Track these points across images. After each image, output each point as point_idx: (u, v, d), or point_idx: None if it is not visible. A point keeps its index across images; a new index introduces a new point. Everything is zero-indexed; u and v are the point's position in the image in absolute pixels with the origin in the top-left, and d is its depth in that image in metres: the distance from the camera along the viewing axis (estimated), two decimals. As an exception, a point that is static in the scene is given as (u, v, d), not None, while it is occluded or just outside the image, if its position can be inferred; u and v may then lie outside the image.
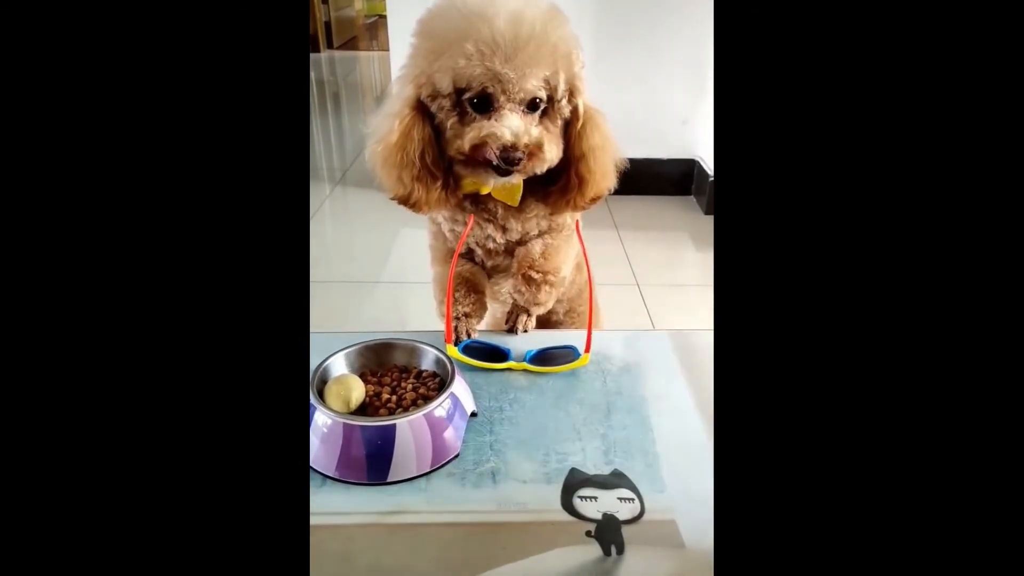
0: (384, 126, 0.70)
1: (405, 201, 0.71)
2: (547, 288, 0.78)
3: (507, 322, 0.82)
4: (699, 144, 2.37)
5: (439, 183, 0.70)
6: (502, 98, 0.65)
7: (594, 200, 0.75)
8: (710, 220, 2.17)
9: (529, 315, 0.81)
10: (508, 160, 0.65)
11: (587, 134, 0.71)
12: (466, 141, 0.66)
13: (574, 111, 0.70)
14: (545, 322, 0.94)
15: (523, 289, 0.77)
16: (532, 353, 0.73)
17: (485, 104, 0.66)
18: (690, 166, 2.39)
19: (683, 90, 2.31)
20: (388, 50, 2.33)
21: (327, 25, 5.39)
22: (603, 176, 0.73)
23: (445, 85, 0.65)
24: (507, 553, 0.50)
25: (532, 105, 0.67)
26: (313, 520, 0.53)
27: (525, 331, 0.80)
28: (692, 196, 2.41)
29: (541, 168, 0.69)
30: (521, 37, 0.63)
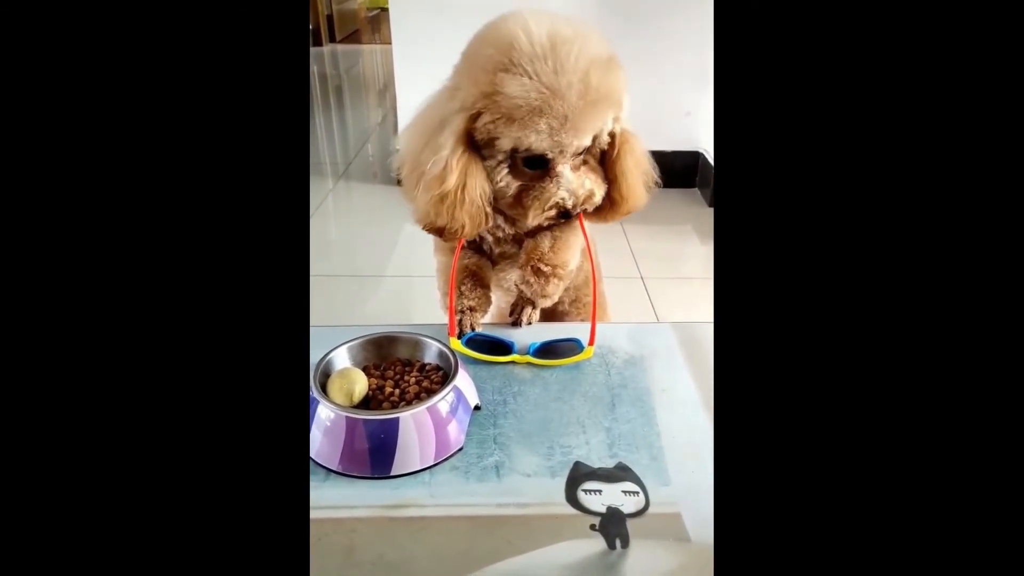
0: (438, 163, 0.67)
1: (441, 232, 0.71)
2: (555, 281, 0.78)
3: (511, 314, 0.81)
4: (703, 136, 2.36)
5: (490, 219, 0.72)
6: (559, 158, 0.67)
7: (624, 215, 0.77)
8: (713, 213, 2.16)
9: (534, 307, 0.81)
10: (566, 215, 0.70)
11: (622, 158, 0.72)
12: (530, 216, 0.70)
13: (612, 139, 0.71)
14: (551, 313, 0.93)
15: (531, 280, 0.77)
16: (536, 346, 0.73)
17: (539, 162, 0.68)
18: (694, 158, 2.39)
19: (687, 82, 2.30)
20: (390, 43, 2.32)
21: (329, 18, 5.38)
22: (635, 196, 0.75)
23: (506, 146, 0.66)
24: (511, 547, 0.50)
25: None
26: (316, 514, 0.53)
27: (529, 323, 0.80)
28: (696, 188, 2.41)
29: (591, 208, 0.72)
30: (588, 108, 0.63)
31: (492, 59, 0.64)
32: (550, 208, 0.69)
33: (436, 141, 0.67)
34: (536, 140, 0.64)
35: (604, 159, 0.73)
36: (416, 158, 0.70)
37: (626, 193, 0.74)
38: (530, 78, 0.62)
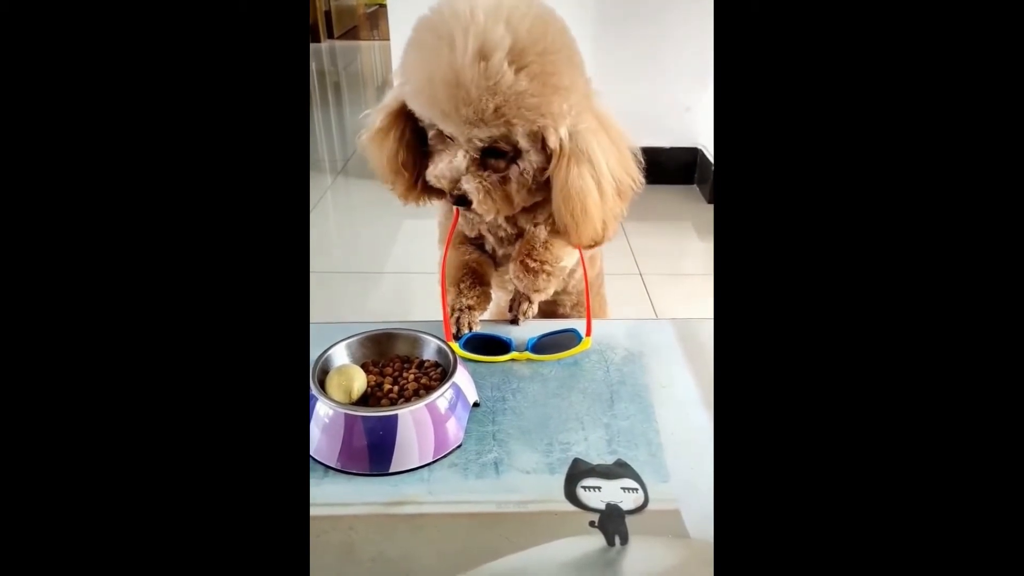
0: (372, 117, 0.72)
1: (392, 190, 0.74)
2: (545, 276, 0.77)
3: (510, 310, 0.81)
4: (702, 132, 2.36)
5: (411, 181, 0.72)
6: (455, 140, 0.65)
7: (590, 246, 0.73)
8: (713, 209, 2.17)
9: (531, 302, 0.80)
10: (457, 200, 0.68)
11: (561, 178, 0.67)
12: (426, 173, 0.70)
13: (550, 153, 0.66)
14: (552, 315, 0.93)
15: (521, 275, 0.77)
16: (534, 340, 0.73)
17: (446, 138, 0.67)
18: (693, 155, 2.38)
19: (686, 78, 2.30)
20: (389, 39, 2.31)
21: (327, 15, 5.37)
22: (584, 226, 0.69)
23: (416, 112, 0.66)
24: (510, 544, 0.50)
25: (492, 152, 0.65)
26: (315, 511, 0.53)
27: (526, 318, 0.80)
28: (695, 185, 2.40)
29: (487, 217, 0.70)
30: (459, 97, 0.60)
31: (415, 28, 0.65)
32: (428, 176, 0.69)
33: (382, 104, 0.71)
34: (421, 112, 0.65)
35: (551, 176, 0.68)
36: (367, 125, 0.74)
37: (569, 218, 0.68)
38: (418, 49, 0.63)
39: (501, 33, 0.60)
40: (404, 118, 0.70)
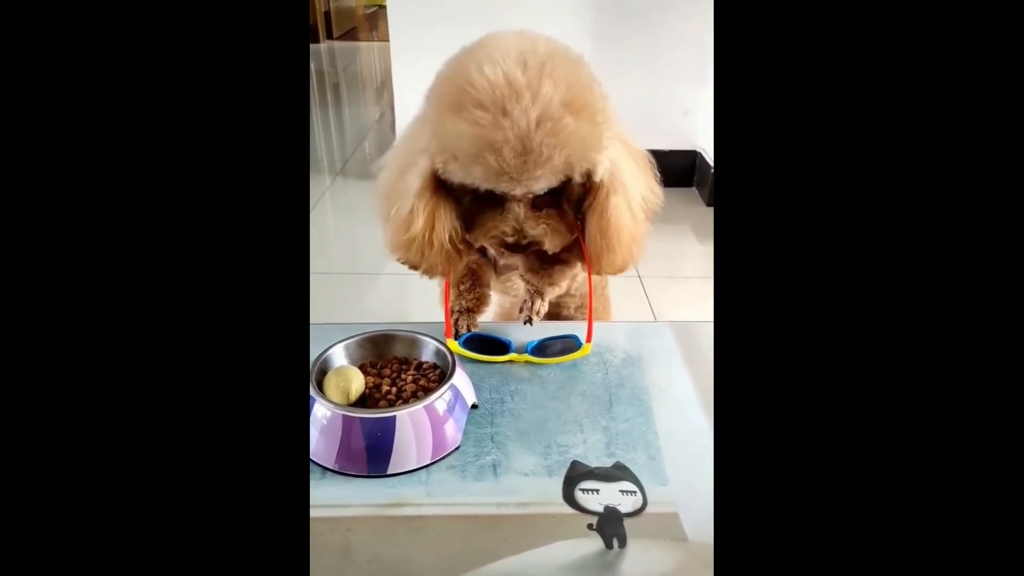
0: (404, 205, 0.68)
1: (418, 269, 0.71)
2: (560, 267, 0.77)
3: (521, 311, 0.81)
4: (701, 135, 2.36)
5: (464, 255, 0.71)
6: (509, 196, 0.65)
7: (614, 273, 0.73)
8: (712, 212, 2.17)
9: (543, 298, 0.80)
10: (515, 248, 0.68)
11: (598, 211, 0.67)
12: (476, 236, 0.68)
13: (588, 188, 0.67)
14: (556, 317, 0.93)
15: (535, 269, 0.77)
16: (533, 344, 0.73)
17: (494, 196, 0.65)
18: (692, 157, 2.39)
19: (685, 80, 2.30)
20: (388, 40, 2.31)
21: (327, 15, 5.37)
22: (616, 254, 0.69)
23: (456, 180, 0.65)
24: (508, 546, 0.50)
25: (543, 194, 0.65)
26: (313, 512, 0.53)
27: (539, 316, 0.79)
28: (694, 188, 2.41)
29: (551, 250, 0.70)
30: (531, 164, 0.60)
31: (444, 97, 0.64)
32: (491, 237, 0.68)
33: (404, 180, 0.68)
34: (476, 181, 0.63)
35: (583, 207, 0.69)
36: (389, 192, 0.70)
37: (605, 248, 0.69)
38: (468, 124, 0.61)
39: (549, 89, 0.60)
40: (443, 193, 0.68)
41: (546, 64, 0.61)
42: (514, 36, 0.65)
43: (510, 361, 0.72)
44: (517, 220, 0.66)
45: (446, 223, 0.68)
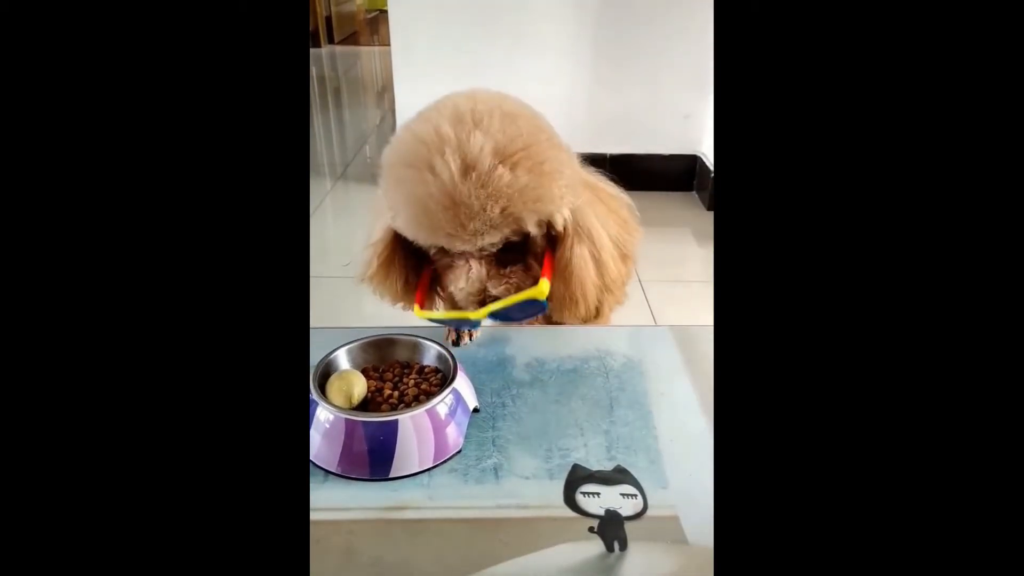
0: (366, 252, 0.72)
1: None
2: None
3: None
4: (701, 139, 2.36)
5: (425, 294, 0.73)
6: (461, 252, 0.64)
7: (580, 321, 0.73)
8: (712, 216, 2.17)
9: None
10: (481, 303, 0.67)
11: (566, 259, 0.66)
12: (445, 292, 0.70)
13: (557, 237, 0.66)
14: (547, 321, 0.93)
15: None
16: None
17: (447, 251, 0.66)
18: (692, 162, 2.39)
19: (685, 85, 2.30)
20: (389, 45, 2.32)
21: (328, 20, 5.38)
22: (580, 306, 0.69)
23: (410, 237, 0.65)
24: (509, 549, 0.50)
25: (505, 248, 0.65)
26: (315, 515, 0.53)
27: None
28: (694, 192, 2.41)
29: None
30: (461, 215, 0.59)
31: (387, 157, 0.65)
32: (459, 293, 0.68)
33: (373, 227, 0.71)
34: (421, 238, 0.63)
35: (553, 254, 0.67)
36: (369, 228, 0.73)
37: (568, 298, 0.68)
38: (398, 183, 0.61)
39: (479, 140, 0.59)
40: (399, 245, 0.69)
41: (484, 119, 0.61)
42: (461, 96, 0.64)
43: (464, 319, 0.68)
44: (480, 279, 0.65)
45: (398, 274, 0.70)
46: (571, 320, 0.71)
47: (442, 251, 0.67)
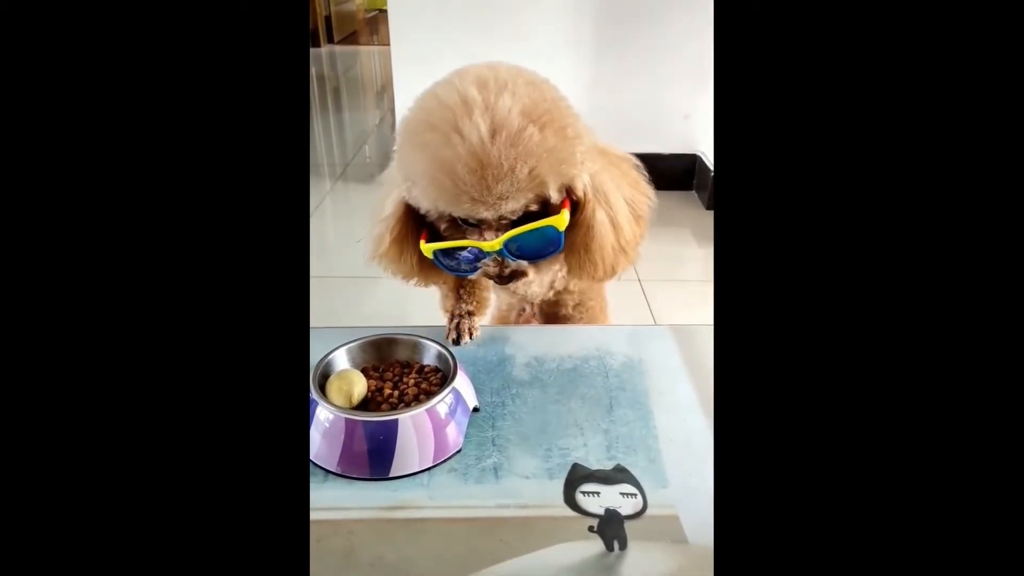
0: (376, 227, 0.71)
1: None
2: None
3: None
4: (700, 139, 2.36)
5: (431, 276, 0.73)
6: (481, 222, 0.63)
7: (595, 281, 0.74)
8: (711, 215, 2.17)
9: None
10: (499, 280, 0.67)
11: (587, 222, 0.66)
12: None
13: (577, 204, 0.66)
14: (555, 317, 0.93)
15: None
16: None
17: (471, 225, 0.64)
18: (691, 161, 2.39)
19: (684, 84, 2.30)
20: (389, 44, 2.32)
21: (327, 19, 5.38)
22: (597, 267, 0.68)
23: (424, 208, 0.64)
24: (509, 548, 0.50)
25: (523, 219, 0.64)
26: (315, 515, 0.53)
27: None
28: (694, 191, 2.41)
29: (538, 287, 0.71)
30: (488, 175, 0.58)
31: (404, 128, 0.64)
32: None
33: (383, 203, 0.70)
34: (439, 206, 0.62)
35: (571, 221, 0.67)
36: (375, 209, 0.72)
37: (588, 261, 0.68)
38: (419, 148, 0.60)
39: (507, 102, 0.59)
40: (412, 220, 0.68)
41: (508, 83, 0.60)
42: (480, 66, 0.64)
43: (477, 248, 0.65)
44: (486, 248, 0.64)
45: (414, 252, 0.69)
46: (589, 279, 0.72)
47: (454, 225, 0.66)
